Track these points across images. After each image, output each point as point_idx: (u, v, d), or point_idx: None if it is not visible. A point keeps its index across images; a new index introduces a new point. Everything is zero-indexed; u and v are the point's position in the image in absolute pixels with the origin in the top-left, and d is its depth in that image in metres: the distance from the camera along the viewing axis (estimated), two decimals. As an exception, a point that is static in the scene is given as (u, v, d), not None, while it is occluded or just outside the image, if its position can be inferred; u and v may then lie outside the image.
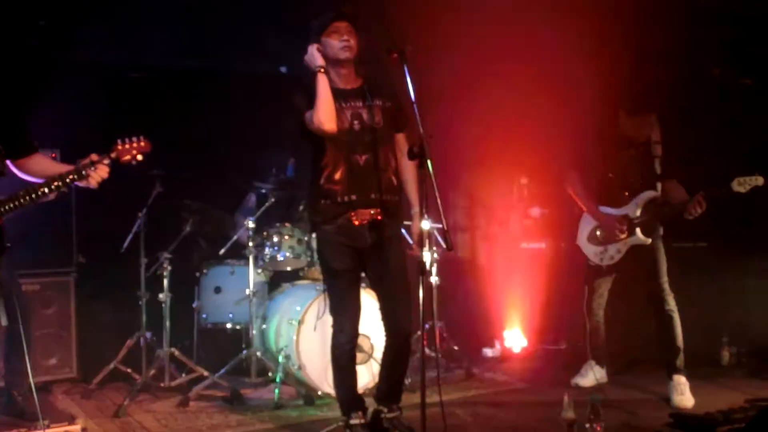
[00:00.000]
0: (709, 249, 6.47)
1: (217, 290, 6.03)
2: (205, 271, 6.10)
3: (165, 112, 6.35)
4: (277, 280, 6.15)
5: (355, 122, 4.19)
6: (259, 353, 5.60)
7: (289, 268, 5.95)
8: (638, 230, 5.18)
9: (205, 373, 5.49)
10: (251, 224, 5.69)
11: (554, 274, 6.53)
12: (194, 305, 6.08)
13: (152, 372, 5.53)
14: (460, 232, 7.65)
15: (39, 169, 3.97)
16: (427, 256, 3.82)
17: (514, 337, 6.83)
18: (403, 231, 4.43)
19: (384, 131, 4.25)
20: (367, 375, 5.16)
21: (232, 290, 5.93)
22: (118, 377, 5.69)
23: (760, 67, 6.37)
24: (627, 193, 5.26)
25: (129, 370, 5.62)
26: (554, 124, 6.05)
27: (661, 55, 5.91)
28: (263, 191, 6.13)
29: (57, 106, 5.39)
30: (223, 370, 5.50)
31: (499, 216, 7.23)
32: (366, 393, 4.90)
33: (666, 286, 5.17)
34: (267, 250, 5.71)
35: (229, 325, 5.98)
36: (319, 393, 5.23)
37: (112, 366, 5.60)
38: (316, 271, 5.74)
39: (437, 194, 3.69)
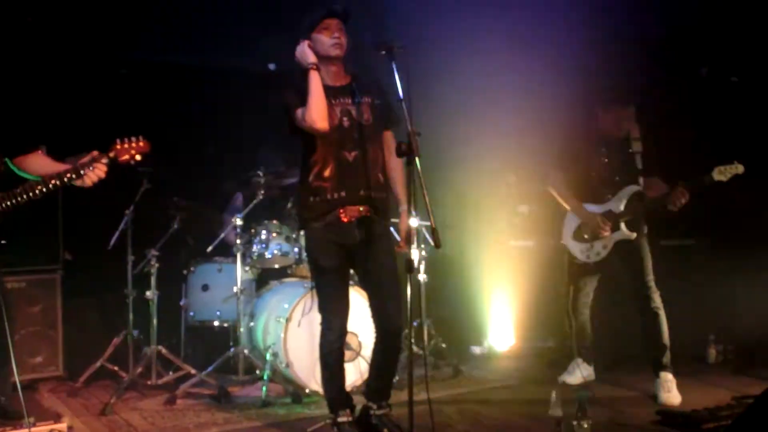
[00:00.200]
0: (696, 247, 6.51)
1: (205, 288, 6.01)
2: (192, 268, 6.07)
3: (153, 109, 6.32)
4: (265, 277, 6.14)
5: (345, 119, 4.18)
6: (246, 351, 5.59)
7: (276, 266, 5.95)
8: (623, 225, 5.21)
9: (193, 371, 5.47)
10: (239, 221, 5.67)
11: (542, 272, 6.53)
12: (181, 303, 6.07)
13: (139, 370, 5.51)
14: (448, 229, 7.64)
15: (37, 167, 3.94)
16: (415, 254, 3.81)
17: (502, 335, 6.84)
18: (391, 228, 4.42)
19: (373, 128, 4.24)
20: (355, 373, 5.15)
21: (219, 288, 5.91)
22: (105, 375, 5.67)
23: (749, 65, 6.40)
24: (609, 189, 5.28)
25: (116, 368, 5.60)
26: (540, 122, 6.06)
27: (640, 48, 5.95)
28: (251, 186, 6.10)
29: (44, 100, 5.37)
30: (210, 368, 5.48)
31: (488, 214, 7.23)
32: (354, 391, 4.89)
33: (652, 284, 5.19)
34: (255, 248, 5.70)
35: (216, 323, 5.96)
36: (307, 391, 5.22)
37: (98, 364, 5.58)
38: (304, 269, 5.74)
39: (425, 191, 3.68)
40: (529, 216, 7.02)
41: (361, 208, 4.17)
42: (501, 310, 6.86)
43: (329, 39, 4.14)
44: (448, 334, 6.47)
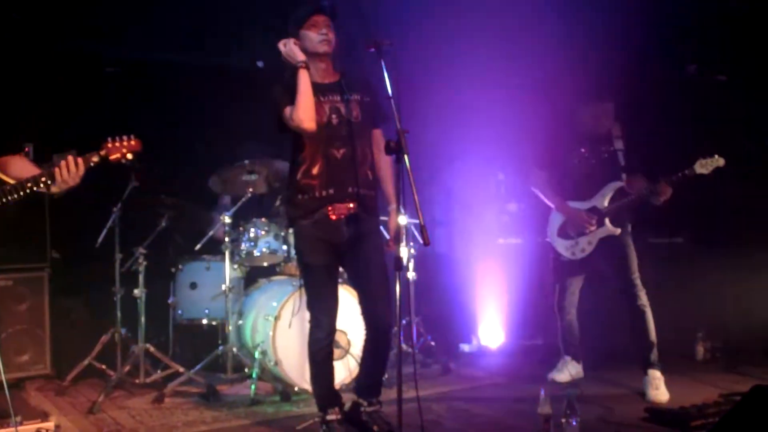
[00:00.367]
0: (685, 245, 6.53)
1: (193, 286, 5.99)
2: (180, 266, 6.05)
3: (140, 106, 6.30)
4: (254, 275, 6.11)
5: (333, 116, 4.17)
6: (235, 349, 5.58)
7: (265, 264, 5.93)
8: (607, 221, 5.24)
9: (181, 369, 5.45)
10: (227, 219, 5.65)
11: (531, 270, 6.55)
12: (170, 301, 6.05)
13: (127, 368, 5.48)
14: (437, 227, 7.66)
15: (17, 171, 3.89)
16: (404, 252, 3.81)
17: (491, 333, 6.85)
18: (380, 227, 4.41)
19: (361, 126, 4.22)
20: (344, 371, 5.14)
21: (207, 286, 5.89)
22: (93, 374, 5.64)
23: (736, 63, 6.42)
24: (593, 186, 5.30)
25: (103, 367, 5.57)
26: (528, 121, 6.07)
27: (623, 46, 5.97)
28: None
29: (30, 99, 5.33)
30: (198, 366, 5.46)
31: (476, 211, 7.24)
32: (343, 389, 4.89)
33: (638, 281, 5.21)
34: (243, 246, 5.68)
35: (204, 321, 5.94)
36: (296, 389, 5.21)
37: (86, 362, 5.55)
38: (293, 267, 5.73)
39: (414, 189, 3.67)
40: (518, 214, 7.03)
41: (349, 206, 4.16)
42: (490, 308, 6.86)
43: (317, 35, 4.13)
44: (438, 331, 6.47)
